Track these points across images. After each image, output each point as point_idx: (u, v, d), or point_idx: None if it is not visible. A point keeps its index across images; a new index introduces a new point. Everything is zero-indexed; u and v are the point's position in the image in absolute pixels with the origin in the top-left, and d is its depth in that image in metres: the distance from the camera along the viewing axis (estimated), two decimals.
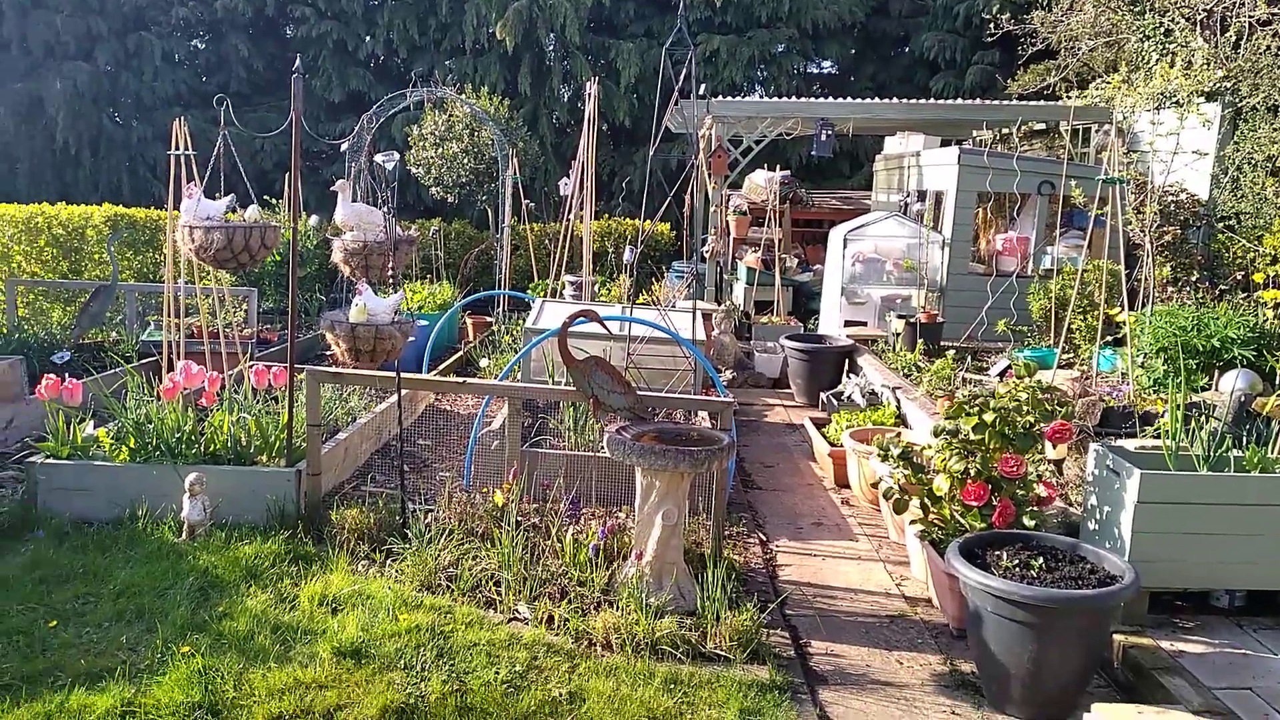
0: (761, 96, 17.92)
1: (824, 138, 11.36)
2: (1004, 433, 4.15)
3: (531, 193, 15.96)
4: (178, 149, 5.90)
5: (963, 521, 4.34)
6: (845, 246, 9.78)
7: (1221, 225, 8.80)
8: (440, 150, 14.51)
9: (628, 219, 15.81)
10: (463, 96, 13.68)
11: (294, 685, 3.60)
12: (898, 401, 7.16)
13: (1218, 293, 8.10)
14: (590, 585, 4.34)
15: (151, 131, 18.18)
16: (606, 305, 8.68)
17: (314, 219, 12.84)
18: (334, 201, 5.78)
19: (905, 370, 7.98)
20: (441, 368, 8.86)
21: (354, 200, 5.40)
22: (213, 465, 5.04)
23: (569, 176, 16.07)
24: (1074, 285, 7.86)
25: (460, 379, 5.01)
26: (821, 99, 11.77)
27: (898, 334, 8.79)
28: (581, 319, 4.84)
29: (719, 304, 11.12)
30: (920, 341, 8.52)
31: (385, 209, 4.65)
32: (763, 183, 13.45)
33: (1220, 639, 4.04)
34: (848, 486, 6.37)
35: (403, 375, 4.67)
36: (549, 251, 12.58)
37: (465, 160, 14.41)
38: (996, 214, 10.56)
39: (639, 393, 4.77)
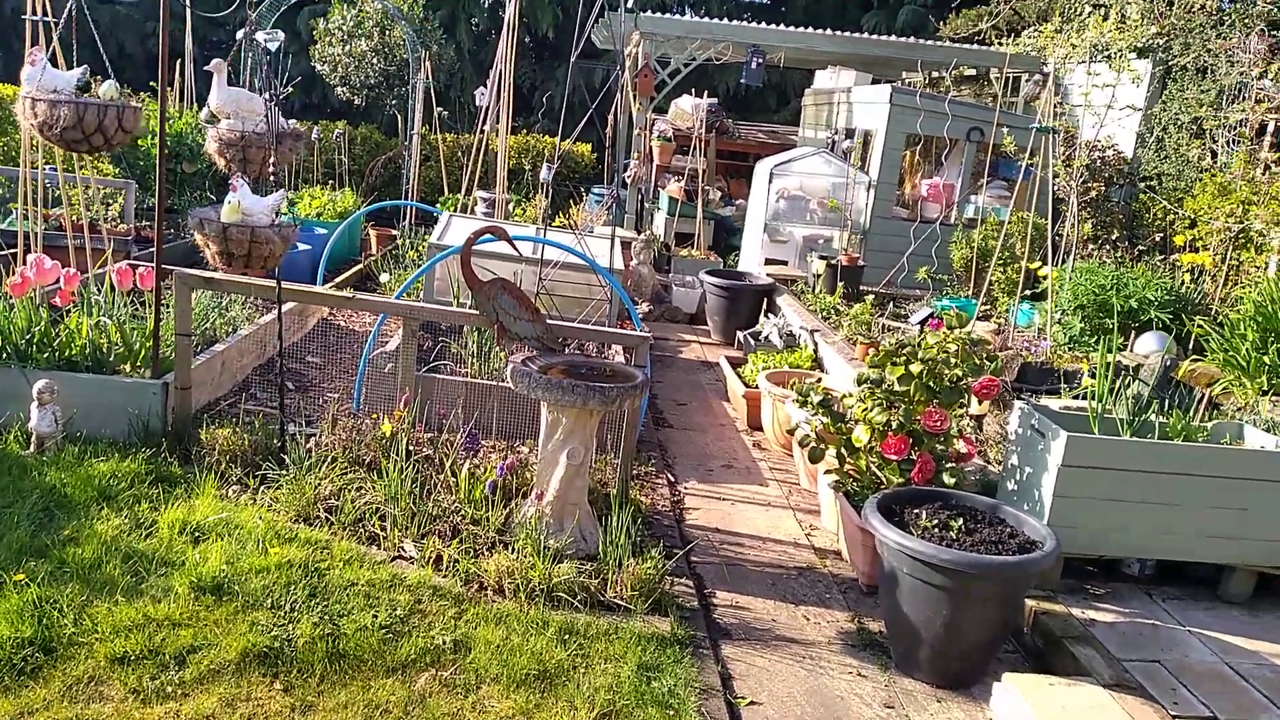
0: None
1: (754, 65, 10.98)
2: (930, 385, 3.94)
3: (446, 101, 15.17)
4: (35, 14, 5.18)
5: (879, 475, 4.15)
6: (770, 181, 9.49)
7: (1144, 185, 8.79)
8: (348, 48, 13.61)
9: (547, 136, 15.21)
10: None
11: (144, 622, 3.21)
12: (815, 345, 6.96)
13: (1136, 253, 8.10)
14: (485, 524, 4.02)
15: None
16: (519, 225, 8.24)
17: (205, 111, 11.88)
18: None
19: (825, 313, 7.79)
20: (338, 280, 8.30)
21: (232, 85, 4.79)
22: (69, 372, 4.50)
23: (485, 86, 15.36)
24: (997, 236, 7.74)
25: (349, 294, 4.56)
26: (754, 24, 11.36)
27: (818, 275, 8.59)
28: (488, 237, 4.43)
29: (639, 233, 10.75)
30: (840, 284, 8.33)
31: (268, 97, 4.10)
32: (689, 109, 13.01)
33: (1130, 608, 3.96)
34: (760, 429, 6.16)
35: (284, 285, 4.20)
36: (461, 164, 11.99)
37: (375, 61, 13.55)
38: (924, 158, 10.39)
39: (549, 321, 4.41)
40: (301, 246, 9.06)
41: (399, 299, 5.13)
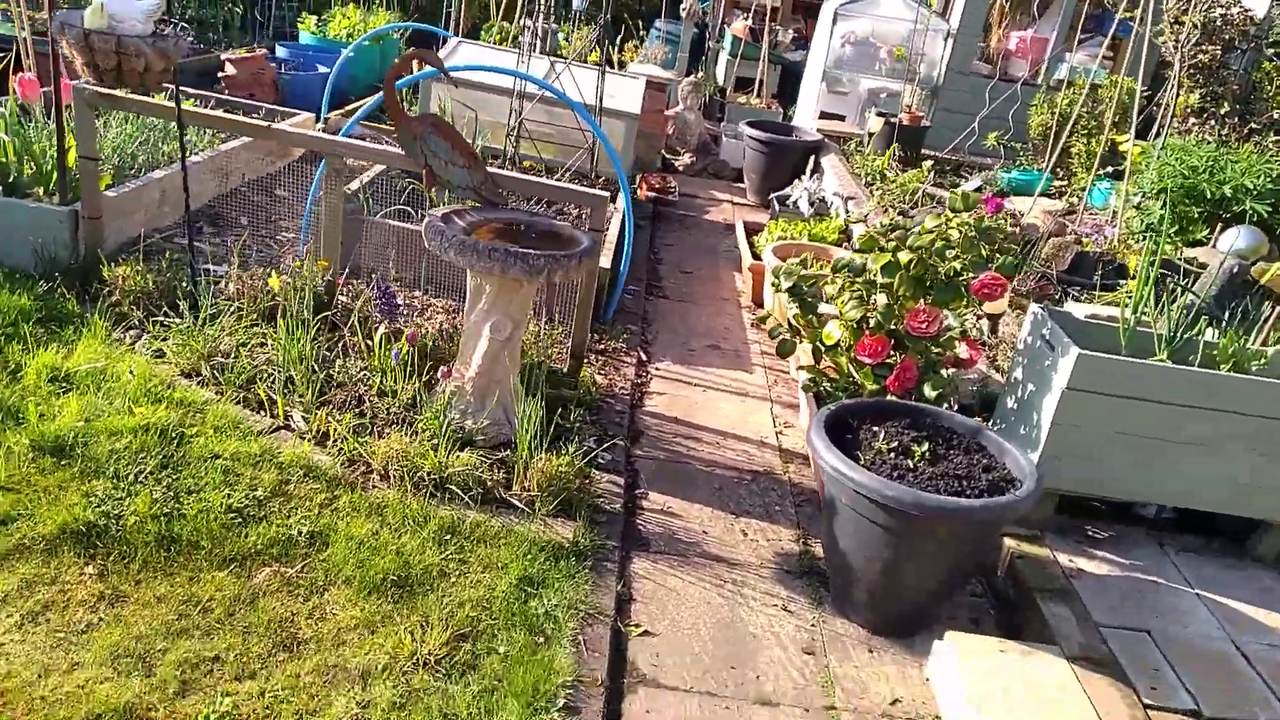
0: None
1: None
2: (920, 278, 3.24)
3: None
4: None
5: (857, 376, 3.52)
6: (835, 23, 8.42)
7: (1272, 52, 7.49)
8: None
9: None
10: None
11: None
12: (847, 213, 6.18)
13: (1247, 131, 6.95)
14: (394, 397, 3.55)
15: None
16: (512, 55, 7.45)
17: None
18: None
19: (870, 178, 6.94)
20: (343, 110, 7.72)
21: None
22: None
23: None
24: (1085, 101, 6.68)
25: (263, 123, 4.00)
26: None
27: (873, 134, 7.66)
28: (476, 64, 3.77)
29: (689, 75, 9.82)
30: (896, 146, 7.40)
31: None
32: None
33: (1133, 559, 3.33)
34: (765, 306, 5.51)
35: (191, 110, 3.65)
36: None
37: None
38: (1016, 8, 9.10)
39: (489, 170, 3.78)
40: (321, 69, 8.49)
41: (347, 132, 4.55)
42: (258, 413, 3.46)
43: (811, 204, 6.39)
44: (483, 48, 6.92)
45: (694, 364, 4.70)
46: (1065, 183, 7.41)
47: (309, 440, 3.33)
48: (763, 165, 7.60)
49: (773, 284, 3.74)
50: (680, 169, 8.86)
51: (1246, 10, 6.94)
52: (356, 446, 3.28)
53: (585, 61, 9.85)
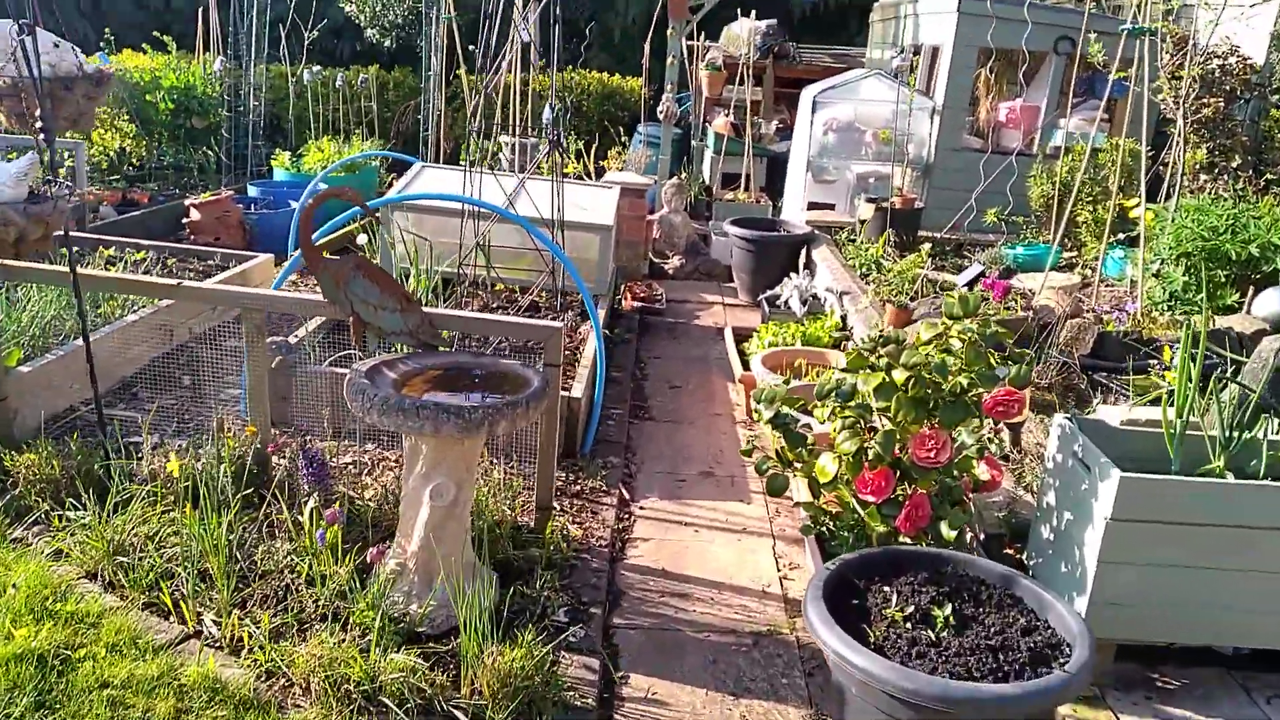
0: None
1: None
2: (921, 399, 2.75)
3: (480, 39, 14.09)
4: None
5: (862, 514, 3.00)
6: (815, 111, 8.13)
7: (1277, 99, 7.12)
8: None
9: (608, 74, 13.96)
10: None
11: None
12: (842, 310, 5.73)
13: (1263, 184, 6.51)
14: (324, 585, 3.05)
15: None
16: (488, 176, 7.14)
17: (218, 61, 11.15)
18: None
19: (864, 268, 6.51)
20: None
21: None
22: None
23: (526, 20, 14.16)
24: (1086, 168, 6.28)
25: (169, 281, 3.61)
26: None
27: (864, 221, 7.27)
28: (441, 193, 3.39)
29: (672, 177, 9.54)
30: (890, 231, 7.00)
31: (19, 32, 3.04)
32: (744, 34, 11.63)
33: (1216, 711, 2.74)
34: None
35: (86, 273, 3.27)
36: (495, 107, 10.95)
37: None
38: (1002, 78, 8.81)
39: (425, 310, 3.36)
40: (294, 206, 8.24)
41: (279, 284, 4.16)
42: (166, 619, 2.96)
43: (804, 302, 5.95)
44: (447, 170, 6.63)
45: (684, 497, 4.19)
46: (1076, 253, 6.97)
47: (221, 650, 2.83)
48: (751, 264, 7.21)
49: (754, 413, 3.26)
50: (670, 272, 8.50)
51: (1246, 59, 6.59)
52: (274, 655, 2.77)
53: (564, 174, 9.63)
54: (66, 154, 7.32)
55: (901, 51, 8.63)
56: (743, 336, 5.73)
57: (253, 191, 8.92)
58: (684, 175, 10.10)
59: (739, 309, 7.25)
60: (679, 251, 8.78)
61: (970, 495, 3.09)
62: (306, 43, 11.74)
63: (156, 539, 3.19)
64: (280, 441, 3.80)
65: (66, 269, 3.44)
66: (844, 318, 5.64)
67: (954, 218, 7.58)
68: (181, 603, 2.97)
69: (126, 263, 5.86)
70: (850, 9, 17.27)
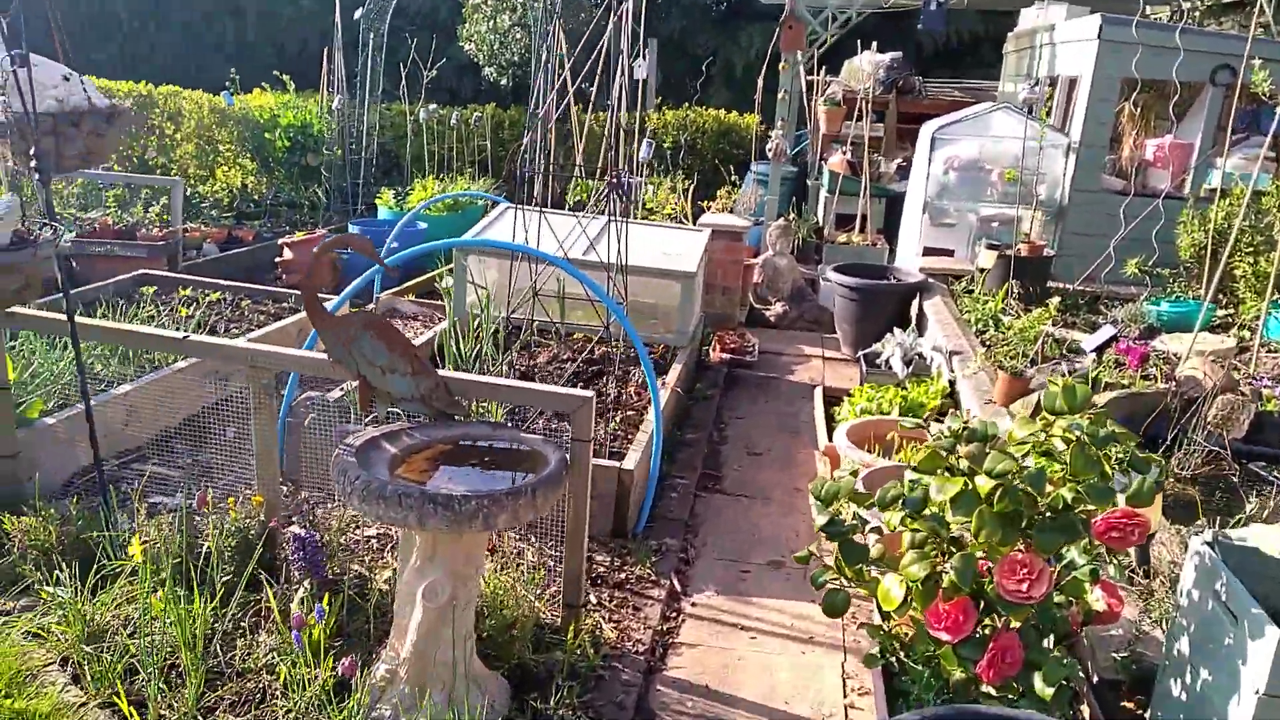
0: None
1: (934, 6, 8.89)
2: (1011, 514, 2.16)
3: (596, 77, 13.93)
4: None
5: (935, 652, 2.41)
6: (934, 148, 7.48)
7: None
8: (493, 24, 12.65)
9: (725, 110, 13.56)
10: None
11: None
12: (952, 374, 5.08)
13: None
14: (300, 689, 2.67)
15: (224, 4, 17.01)
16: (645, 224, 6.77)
17: (337, 100, 11.29)
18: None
19: (981, 324, 5.82)
20: (404, 286, 7.24)
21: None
22: None
23: (644, 59, 13.91)
24: (1246, 213, 5.46)
25: (171, 334, 3.34)
26: None
27: (984, 270, 6.56)
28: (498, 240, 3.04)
29: (779, 218, 9.01)
30: (1014, 282, 6.28)
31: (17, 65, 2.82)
32: (866, 67, 11.04)
33: None
34: None
35: (87, 322, 3.02)
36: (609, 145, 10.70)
37: (518, 34, 12.52)
38: (1149, 112, 7.94)
39: (442, 374, 2.97)
40: (393, 245, 8.12)
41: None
42: None
43: (907, 362, 5.32)
44: (532, 210, 6.30)
45: (746, 593, 3.65)
46: (1231, 312, 6.08)
47: None
48: (854, 314, 6.60)
49: (815, 503, 2.71)
50: (772, 320, 7.95)
51: None
52: None
53: (646, 215, 9.23)
54: (161, 193, 7.39)
55: (1035, 83, 7.89)
56: (837, 397, 5.15)
57: (352, 230, 8.87)
58: (792, 216, 9.56)
59: (840, 364, 6.64)
60: (782, 297, 8.23)
61: (1080, 629, 2.47)
62: (425, 81, 11.81)
63: (132, 624, 2.88)
64: (297, 511, 3.47)
65: (84, 319, 3.20)
66: (952, 382, 4.99)
67: (1089, 268, 6.77)
68: (149, 703, 2.63)
69: (200, 303, 5.76)
70: (984, 40, 16.39)
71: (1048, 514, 2.16)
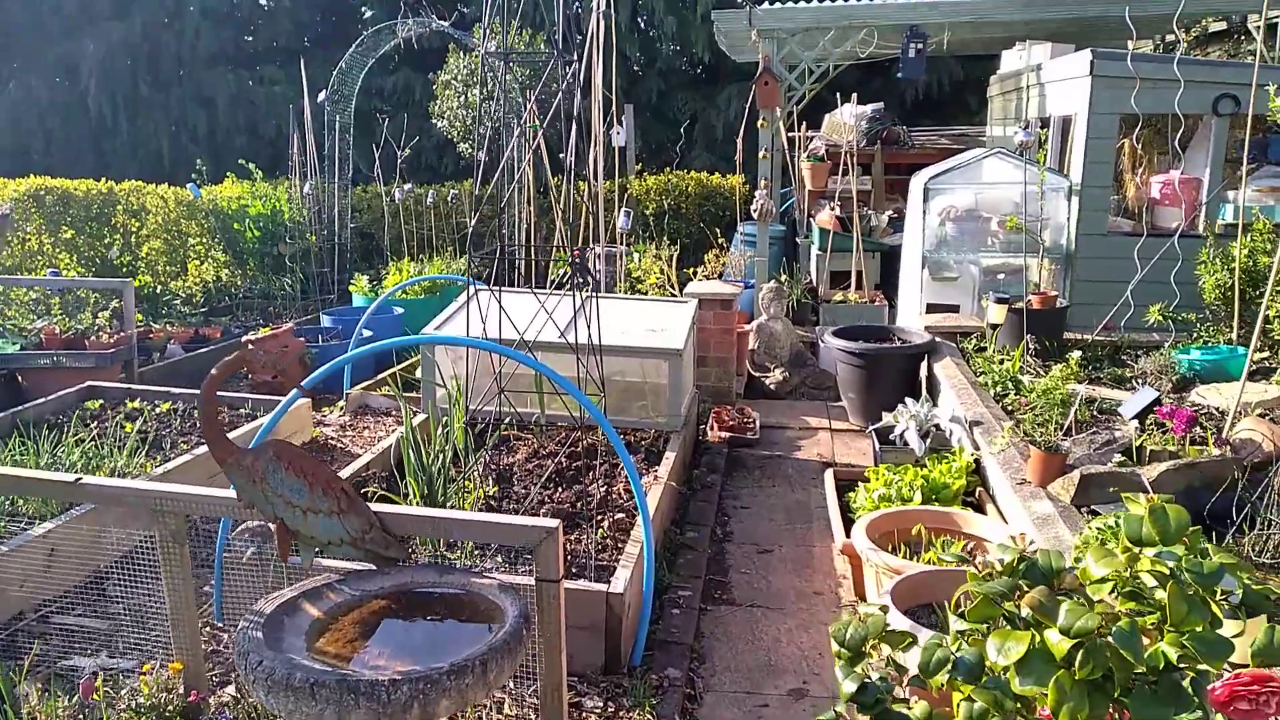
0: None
1: (913, 54, 8.56)
2: (1100, 680, 1.64)
3: (574, 146, 13.68)
4: None
5: None
6: (927, 199, 7.09)
7: None
8: (465, 99, 12.39)
9: (707, 173, 13.26)
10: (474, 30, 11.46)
11: None
12: (975, 447, 4.58)
13: None
14: None
15: (193, 93, 16.85)
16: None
17: (308, 185, 10.97)
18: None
19: (998, 386, 5.34)
20: (376, 379, 6.77)
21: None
22: None
23: (622, 124, 13.64)
24: (1271, 248, 5.04)
25: (62, 477, 2.84)
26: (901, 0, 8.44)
27: (995, 326, 6.10)
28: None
29: (771, 280, 8.59)
30: (1028, 337, 5.82)
31: None
32: (849, 120, 10.73)
33: None
34: None
35: None
36: (590, 215, 10.33)
37: (491, 108, 12.24)
38: (1151, 147, 7.58)
39: (379, 509, 2.47)
40: (366, 334, 7.67)
41: (265, 432, 3.35)
42: None
43: (924, 435, 4.83)
44: (510, 292, 5.85)
45: None
46: (1268, 355, 5.61)
47: None
48: (860, 381, 6.12)
49: (836, 655, 2.19)
50: (773, 388, 7.48)
51: None
52: None
53: (652, 286, 8.80)
54: (113, 296, 6.96)
55: (1026, 126, 7.52)
56: (850, 480, 4.64)
57: (325, 321, 8.44)
58: (784, 277, 9.16)
59: (848, 435, 6.15)
60: (781, 363, 7.77)
61: None
62: (401, 161, 11.51)
63: None
64: (207, 692, 2.94)
65: None
66: (978, 460, 4.49)
67: (1105, 316, 6.32)
68: None
69: (147, 416, 5.28)
70: (966, 85, 16.24)
71: (1147, 678, 1.65)
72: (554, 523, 2.45)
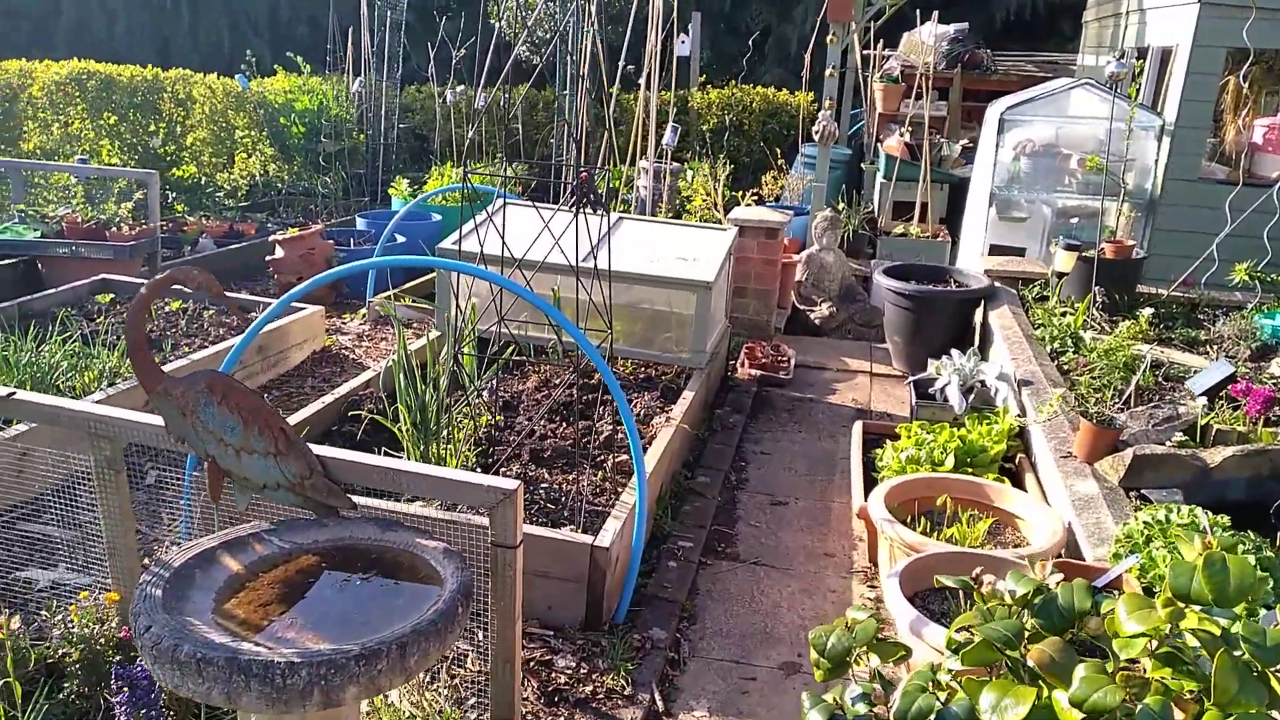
0: None
1: None
2: None
3: (638, 55, 13.05)
4: None
5: None
6: (1002, 131, 6.51)
7: None
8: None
9: (774, 89, 12.58)
10: None
11: None
12: (1021, 409, 4.19)
13: None
14: None
15: None
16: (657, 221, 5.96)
17: (358, 82, 10.63)
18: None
19: (1058, 341, 4.90)
20: (404, 288, 6.52)
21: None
22: None
23: (688, 34, 12.98)
24: None
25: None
26: None
27: (1062, 274, 5.61)
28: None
29: (827, 208, 8.10)
30: (1097, 290, 5.33)
31: None
32: (929, 40, 10.01)
33: None
34: None
35: None
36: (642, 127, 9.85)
37: (553, 8, 11.71)
38: (1260, 88, 6.85)
39: (317, 453, 2.21)
40: (399, 240, 7.42)
41: (231, 363, 3.12)
42: None
43: (967, 391, 4.43)
44: (527, 207, 5.50)
45: (749, 713, 2.84)
46: None
47: None
48: (908, 326, 5.71)
49: (816, 664, 1.89)
50: (818, 323, 7.08)
51: None
52: None
53: (680, 214, 8.36)
54: (138, 186, 6.78)
55: (1121, 56, 6.84)
56: (882, 435, 4.29)
57: (360, 224, 8.20)
58: (841, 205, 8.65)
59: (889, 381, 5.76)
60: (829, 298, 7.34)
61: None
62: (454, 61, 11.11)
63: None
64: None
65: None
66: (1024, 426, 4.10)
67: (1185, 271, 5.78)
68: None
69: (154, 314, 5.11)
70: (1062, 10, 15.12)
71: None
72: (512, 484, 2.16)
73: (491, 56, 15.58)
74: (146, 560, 3.16)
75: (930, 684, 1.50)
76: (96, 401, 3.70)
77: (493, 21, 12.57)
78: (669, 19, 8.36)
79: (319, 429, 3.92)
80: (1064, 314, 5.20)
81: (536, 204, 4.96)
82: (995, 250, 6.52)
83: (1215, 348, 4.88)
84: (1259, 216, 5.54)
